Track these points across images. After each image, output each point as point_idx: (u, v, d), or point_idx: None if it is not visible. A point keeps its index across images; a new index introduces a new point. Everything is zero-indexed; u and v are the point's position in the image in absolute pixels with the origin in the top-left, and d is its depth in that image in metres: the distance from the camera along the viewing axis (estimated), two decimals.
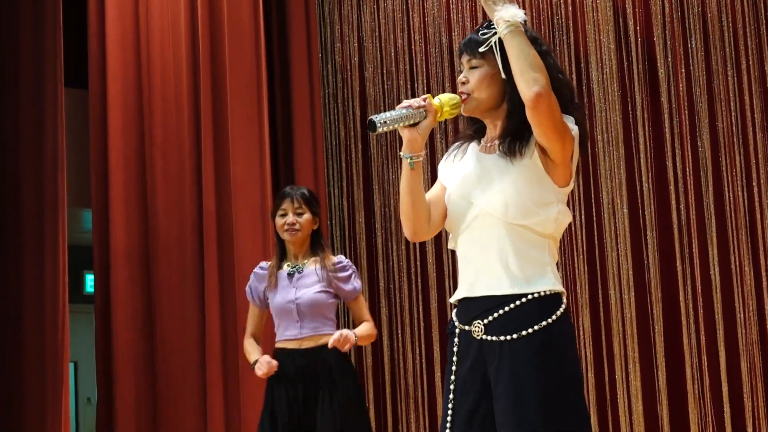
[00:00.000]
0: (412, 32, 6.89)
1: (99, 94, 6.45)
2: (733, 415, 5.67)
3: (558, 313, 2.81)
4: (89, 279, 10.49)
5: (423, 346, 6.68)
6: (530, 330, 2.78)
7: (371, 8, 7.06)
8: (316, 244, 4.76)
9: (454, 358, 2.90)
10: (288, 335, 4.68)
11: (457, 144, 3.05)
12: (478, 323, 2.85)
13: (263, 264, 4.91)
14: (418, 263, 6.74)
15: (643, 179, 5.99)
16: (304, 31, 7.08)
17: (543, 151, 2.84)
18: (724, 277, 5.74)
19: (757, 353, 5.63)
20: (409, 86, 6.86)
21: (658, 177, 5.97)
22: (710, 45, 5.86)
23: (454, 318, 2.94)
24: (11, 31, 6.02)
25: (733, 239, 5.73)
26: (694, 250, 5.84)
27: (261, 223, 6.48)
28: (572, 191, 6.05)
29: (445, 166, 3.04)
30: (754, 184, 5.70)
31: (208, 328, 6.30)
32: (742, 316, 5.68)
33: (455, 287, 2.96)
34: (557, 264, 2.92)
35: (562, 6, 6.31)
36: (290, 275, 4.70)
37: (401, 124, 2.85)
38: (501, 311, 2.81)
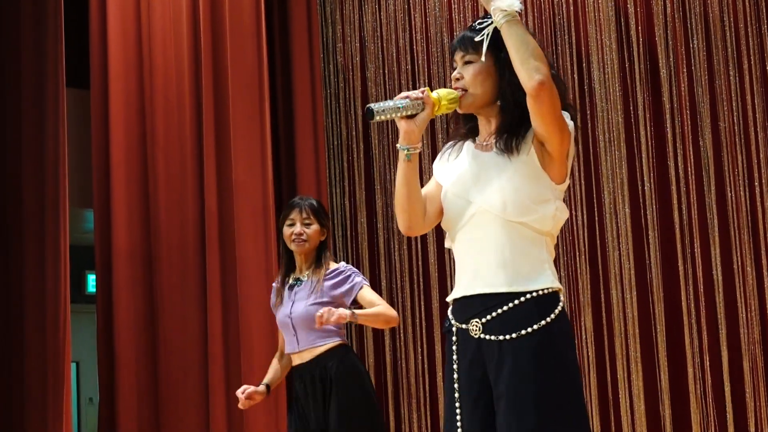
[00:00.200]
0: (413, 32, 6.89)
1: (100, 93, 6.45)
2: (735, 415, 5.67)
3: (556, 311, 2.81)
4: (91, 279, 10.49)
5: (425, 345, 6.68)
6: (529, 329, 2.77)
7: (373, 8, 7.06)
8: (320, 256, 4.66)
9: (454, 357, 2.88)
10: (289, 350, 4.63)
11: (450, 143, 3.04)
12: (476, 322, 2.83)
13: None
14: (420, 263, 6.74)
15: (645, 179, 5.99)
16: (305, 30, 7.08)
17: (540, 147, 2.83)
18: (726, 276, 5.73)
19: (759, 353, 5.63)
20: (410, 86, 6.85)
21: (660, 177, 5.96)
22: (712, 45, 5.86)
23: (451, 316, 2.92)
24: (12, 30, 6.03)
25: (735, 239, 5.73)
26: (696, 250, 5.83)
27: (263, 222, 6.48)
28: (574, 191, 6.10)
29: (439, 165, 3.02)
30: (756, 183, 5.70)
31: (209, 328, 6.29)
32: (744, 315, 5.68)
33: (454, 286, 2.95)
34: (556, 261, 2.91)
35: (564, 6, 6.30)
36: (290, 288, 4.67)
37: (398, 114, 2.86)
38: (499, 310, 2.80)
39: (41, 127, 5.93)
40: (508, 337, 2.78)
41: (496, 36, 2.84)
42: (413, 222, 2.95)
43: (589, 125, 6.14)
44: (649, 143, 6.00)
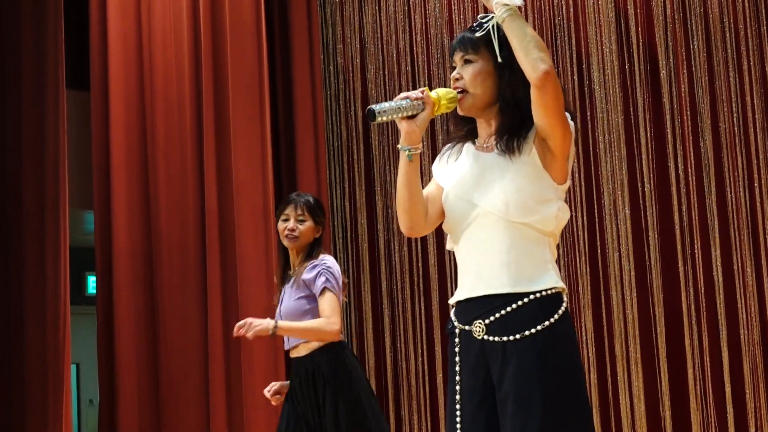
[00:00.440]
0: (413, 33, 6.90)
1: (101, 95, 6.45)
2: (735, 416, 5.67)
3: (560, 312, 2.80)
4: (91, 280, 10.50)
5: (425, 346, 6.68)
6: (533, 330, 2.77)
7: (373, 9, 7.06)
8: (311, 253, 4.65)
9: (457, 359, 2.87)
10: (285, 346, 4.67)
11: (449, 145, 3.03)
12: (479, 323, 2.83)
13: None
14: (420, 264, 6.74)
15: (645, 180, 5.99)
16: (306, 32, 7.09)
17: (542, 146, 2.82)
18: (727, 277, 5.73)
19: (759, 354, 5.63)
20: (411, 87, 6.86)
21: (660, 178, 5.96)
22: (712, 46, 5.86)
23: (454, 318, 2.91)
24: (12, 30, 6.03)
25: (735, 240, 5.73)
26: (696, 251, 5.83)
27: (263, 223, 6.48)
28: (574, 192, 6.10)
29: (439, 167, 3.02)
30: (756, 184, 5.70)
31: (210, 328, 6.30)
32: (744, 316, 5.68)
33: (457, 288, 2.95)
34: (557, 263, 2.91)
35: (564, 7, 6.30)
36: (284, 285, 4.70)
37: (399, 115, 2.86)
38: (503, 311, 2.80)
39: (41, 129, 5.93)
40: (511, 338, 2.78)
41: (497, 36, 2.84)
42: (415, 223, 2.95)
43: (589, 126, 6.15)
44: (649, 144, 6.00)
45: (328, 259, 4.60)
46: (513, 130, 2.85)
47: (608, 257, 6.06)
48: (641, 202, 6.00)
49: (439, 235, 6.37)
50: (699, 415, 5.75)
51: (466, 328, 2.87)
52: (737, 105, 5.78)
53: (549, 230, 2.84)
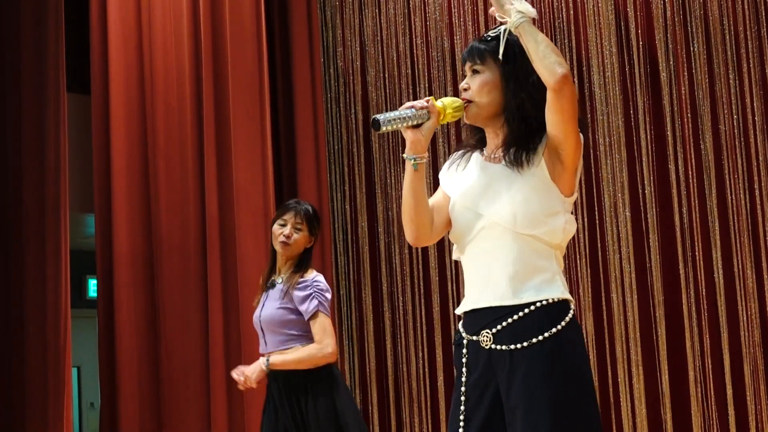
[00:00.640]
0: (413, 36, 6.90)
1: (101, 98, 6.46)
2: (736, 418, 5.67)
3: (567, 319, 2.79)
4: (92, 284, 10.50)
5: (426, 350, 6.68)
6: (540, 338, 2.76)
7: (373, 12, 7.06)
8: (300, 263, 4.66)
9: (464, 369, 2.86)
10: (261, 350, 4.68)
11: (459, 153, 3.02)
12: (487, 333, 2.82)
13: None
14: (421, 267, 6.74)
15: (645, 182, 5.99)
16: (306, 35, 7.09)
17: (551, 158, 2.82)
18: (727, 279, 5.73)
19: (760, 356, 5.63)
20: (411, 90, 6.86)
21: (661, 180, 5.96)
22: (712, 48, 5.86)
23: (461, 329, 2.91)
24: (12, 31, 6.03)
25: (735, 242, 5.73)
26: (696, 253, 5.83)
27: (263, 226, 6.48)
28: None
29: (446, 175, 3.01)
30: (756, 186, 5.70)
31: (211, 331, 6.30)
32: (744, 318, 5.68)
33: (458, 291, 2.95)
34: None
35: (564, 9, 6.31)
36: (267, 290, 4.70)
37: (404, 125, 2.86)
38: (510, 320, 2.79)
39: (42, 132, 5.93)
40: (519, 346, 2.77)
41: (506, 47, 2.85)
42: (421, 233, 2.94)
43: (590, 129, 6.15)
44: (650, 146, 6.00)
45: (319, 280, 4.62)
46: (520, 142, 2.85)
47: (609, 259, 6.06)
48: (642, 204, 6.00)
49: (440, 239, 6.36)
50: (700, 417, 5.75)
51: (474, 338, 2.86)
52: (737, 107, 5.78)
53: (556, 242, 2.84)
